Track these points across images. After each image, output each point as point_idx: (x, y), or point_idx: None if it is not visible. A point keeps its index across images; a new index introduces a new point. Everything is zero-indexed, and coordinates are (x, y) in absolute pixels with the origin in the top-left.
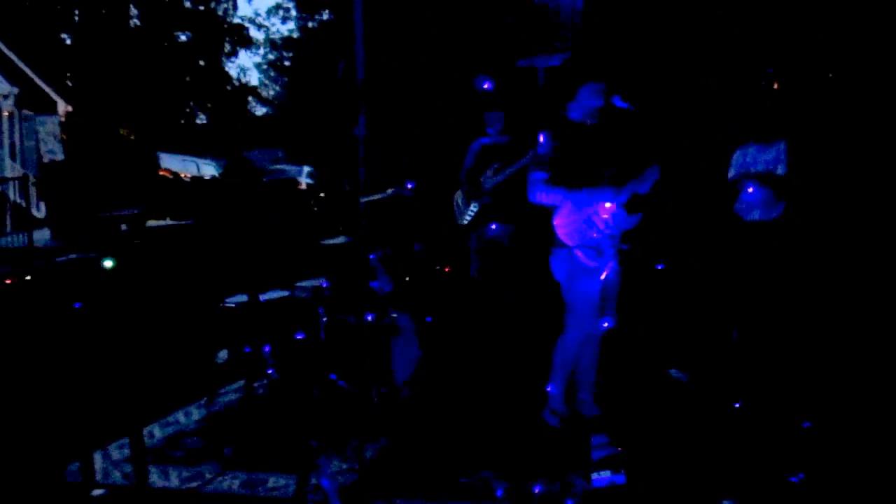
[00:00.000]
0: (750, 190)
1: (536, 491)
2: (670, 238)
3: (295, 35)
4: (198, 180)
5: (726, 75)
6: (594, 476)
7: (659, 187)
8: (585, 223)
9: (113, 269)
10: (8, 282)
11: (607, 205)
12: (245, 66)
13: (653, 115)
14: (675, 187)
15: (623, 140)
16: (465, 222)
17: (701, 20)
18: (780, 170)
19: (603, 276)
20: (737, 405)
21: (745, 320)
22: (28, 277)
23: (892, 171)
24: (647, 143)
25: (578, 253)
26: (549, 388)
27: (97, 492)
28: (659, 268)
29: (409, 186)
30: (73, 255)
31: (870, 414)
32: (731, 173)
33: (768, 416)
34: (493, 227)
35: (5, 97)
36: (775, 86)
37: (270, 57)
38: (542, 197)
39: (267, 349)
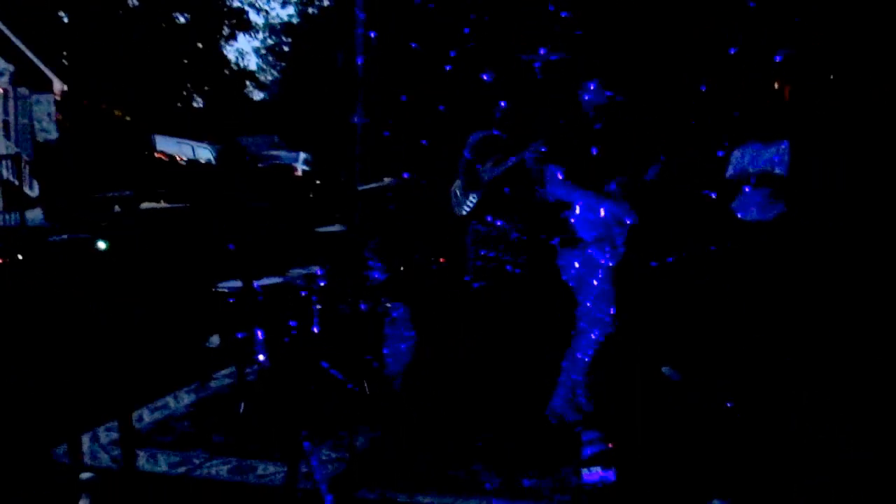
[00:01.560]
0: (747, 189)
1: (526, 485)
2: (667, 234)
3: (294, 20)
4: (193, 164)
5: (727, 72)
6: (584, 472)
7: (660, 181)
8: (598, 218)
9: (106, 251)
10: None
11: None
12: (244, 50)
13: (652, 111)
14: (673, 183)
15: (627, 134)
16: (464, 213)
17: (701, 17)
18: (778, 170)
19: (612, 273)
20: (729, 404)
21: (743, 319)
22: (20, 257)
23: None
24: (650, 137)
25: (592, 248)
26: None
27: (85, 475)
28: (654, 265)
29: (405, 177)
30: (65, 236)
31: (865, 416)
32: (729, 171)
33: (761, 416)
34: (490, 219)
35: (0, 74)
36: (776, 85)
37: (270, 42)
38: (558, 191)
39: (259, 335)
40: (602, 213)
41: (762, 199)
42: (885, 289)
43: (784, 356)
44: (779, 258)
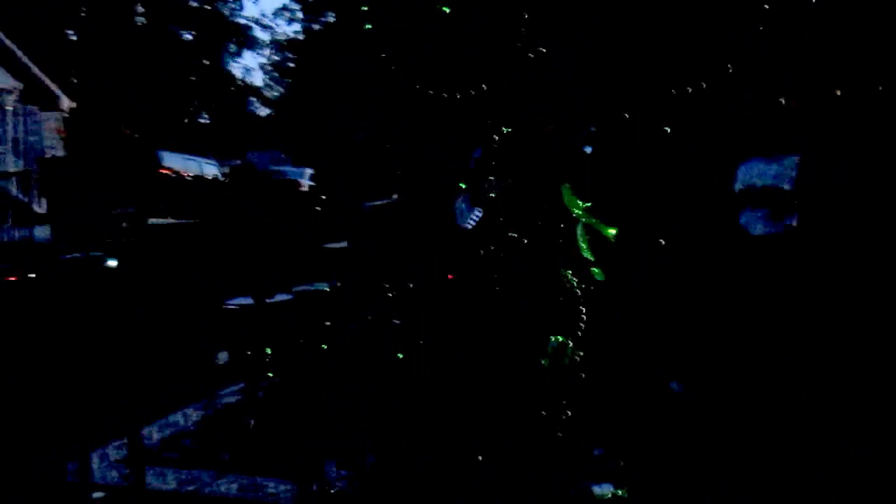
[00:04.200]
0: (754, 204)
1: (537, 501)
2: (674, 248)
3: (300, 37)
4: (200, 180)
5: (731, 87)
6: (594, 487)
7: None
8: None
9: (116, 269)
10: (11, 279)
11: None
12: (249, 66)
13: (659, 125)
14: (682, 199)
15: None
16: (469, 226)
17: (705, 26)
18: (785, 185)
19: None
20: (737, 417)
21: (751, 332)
22: (32, 275)
23: None
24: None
25: None
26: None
27: (97, 494)
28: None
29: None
30: (77, 254)
31: (865, 416)
32: (736, 186)
33: (769, 428)
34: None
35: (9, 92)
36: (782, 100)
37: (275, 58)
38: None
39: (268, 352)
40: None
41: (768, 215)
42: (884, 289)
43: (784, 356)
44: (781, 262)
